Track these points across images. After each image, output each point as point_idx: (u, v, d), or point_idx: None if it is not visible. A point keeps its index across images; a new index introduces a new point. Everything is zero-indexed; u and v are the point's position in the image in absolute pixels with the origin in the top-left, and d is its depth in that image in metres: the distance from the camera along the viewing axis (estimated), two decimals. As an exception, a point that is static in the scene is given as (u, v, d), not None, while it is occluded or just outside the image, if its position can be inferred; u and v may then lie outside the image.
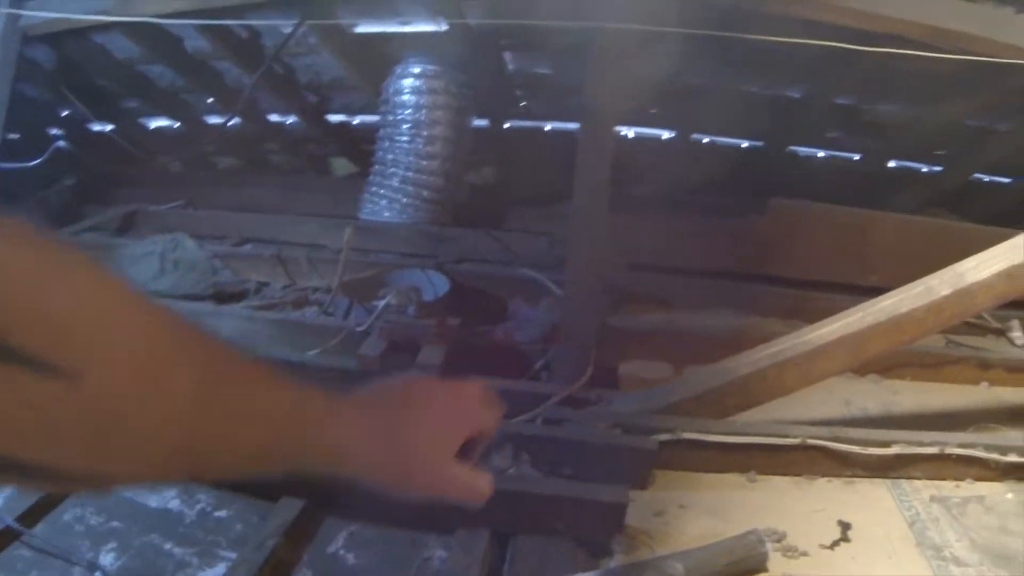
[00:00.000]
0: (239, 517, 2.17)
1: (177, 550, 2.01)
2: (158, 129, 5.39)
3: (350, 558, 2.06)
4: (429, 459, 1.02)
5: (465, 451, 1.08)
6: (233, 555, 1.99)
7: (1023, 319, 3.82)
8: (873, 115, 4.74)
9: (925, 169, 5.34)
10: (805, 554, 2.14)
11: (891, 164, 5.30)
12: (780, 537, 2.17)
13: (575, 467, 2.28)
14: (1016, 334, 3.80)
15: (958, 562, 2.19)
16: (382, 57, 4.31)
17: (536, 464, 2.31)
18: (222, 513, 2.18)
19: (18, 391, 0.54)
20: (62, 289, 0.57)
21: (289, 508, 2.11)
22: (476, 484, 1.07)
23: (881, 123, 4.79)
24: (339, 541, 2.11)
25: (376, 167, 4.32)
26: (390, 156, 4.23)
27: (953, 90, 4.20)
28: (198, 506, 2.19)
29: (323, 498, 2.16)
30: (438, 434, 1.03)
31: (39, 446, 0.57)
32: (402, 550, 2.09)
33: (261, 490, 2.18)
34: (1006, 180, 5.37)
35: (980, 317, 3.64)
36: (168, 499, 2.20)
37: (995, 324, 3.83)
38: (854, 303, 2.67)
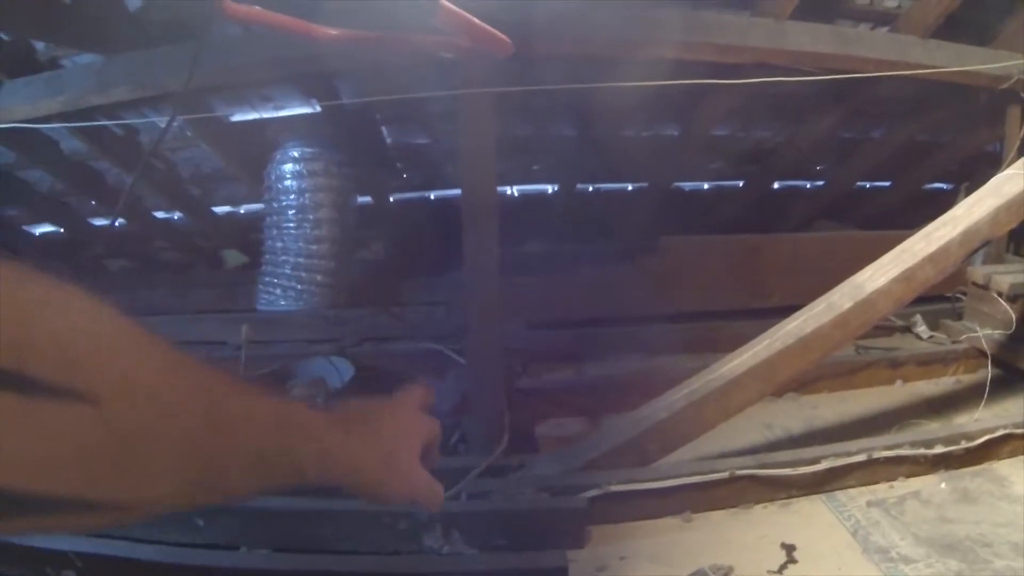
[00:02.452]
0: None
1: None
2: (43, 236, 5.17)
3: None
4: (403, 465, 1.08)
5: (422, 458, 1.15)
6: None
7: (925, 313, 3.93)
8: (751, 142, 4.85)
9: (809, 185, 5.49)
10: (756, 583, 2.12)
11: (776, 185, 5.42)
12: (727, 572, 2.15)
13: (508, 537, 2.23)
14: (921, 328, 3.90)
15: (906, 560, 2.21)
16: (261, 144, 4.24)
17: (468, 539, 2.24)
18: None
19: (40, 422, 0.54)
20: (74, 319, 0.59)
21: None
22: (437, 488, 1.14)
23: (759, 148, 4.90)
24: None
25: (267, 256, 4.23)
26: (279, 244, 4.15)
27: (822, 107, 4.33)
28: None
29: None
30: (406, 443, 1.10)
31: (67, 476, 0.58)
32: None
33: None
34: (886, 184, 5.52)
35: (884, 318, 3.69)
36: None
37: (900, 323, 3.93)
38: (759, 327, 2.70)
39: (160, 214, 5.02)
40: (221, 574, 2.14)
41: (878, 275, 2.64)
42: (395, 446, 1.08)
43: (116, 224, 4.68)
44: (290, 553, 2.29)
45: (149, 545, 2.28)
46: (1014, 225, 2.90)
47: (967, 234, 2.70)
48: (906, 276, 2.63)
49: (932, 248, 2.67)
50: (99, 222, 5.00)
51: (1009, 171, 2.92)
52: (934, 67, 3.67)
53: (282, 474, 0.87)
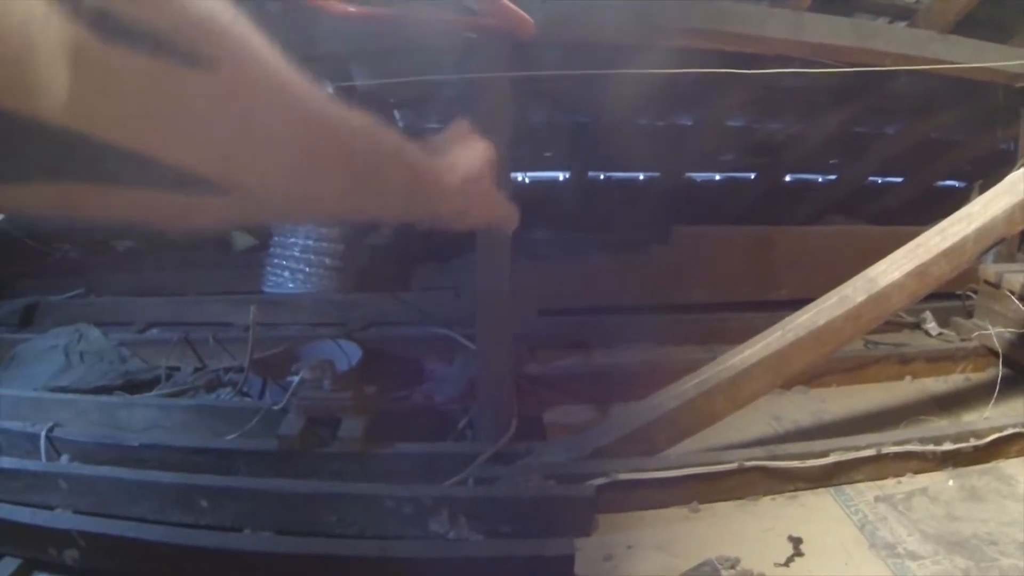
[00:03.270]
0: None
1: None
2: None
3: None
4: (482, 189, 1.12)
5: None
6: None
7: (935, 310, 3.92)
8: (764, 133, 4.82)
9: (821, 179, 5.47)
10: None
11: (787, 178, 5.39)
12: (734, 563, 2.14)
13: (515, 524, 2.22)
14: (930, 325, 3.88)
15: (913, 556, 2.21)
16: (272, 126, 4.23)
17: (474, 525, 2.23)
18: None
19: (163, 81, 0.55)
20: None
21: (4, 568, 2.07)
22: (512, 208, 1.21)
23: (773, 140, 4.88)
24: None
25: (276, 239, 4.23)
26: (288, 226, 4.14)
27: (838, 100, 4.30)
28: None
29: (39, 556, 2.14)
30: (479, 168, 1.12)
31: (182, 141, 0.59)
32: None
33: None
34: (898, 179, 5.51)
35: (897, 313, 3.69)
36: None
37: (909, 319, 3.91)
38: (768, 319, 2.69)
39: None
40: (224, 556, 2.12)
41: (892, 269, 2.62)
42: (471, 171, 1.10)
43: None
44: (294, 536, 2.28)
45: (152, 525, 2.28)
46: (1029, 224, 2.88)
47: (982, 231, 2.67)
48: (920, 271, 2.61)
49: (947, 244, 2.64)
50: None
51: (1026, 169, 2.90)
52: (952, 63, 3.64)
53: (375, 199, 0.91)
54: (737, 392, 2.53)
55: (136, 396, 3.29)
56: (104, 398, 3.20)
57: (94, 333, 3.72)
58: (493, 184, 1.16)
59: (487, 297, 2.65)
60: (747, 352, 2.55)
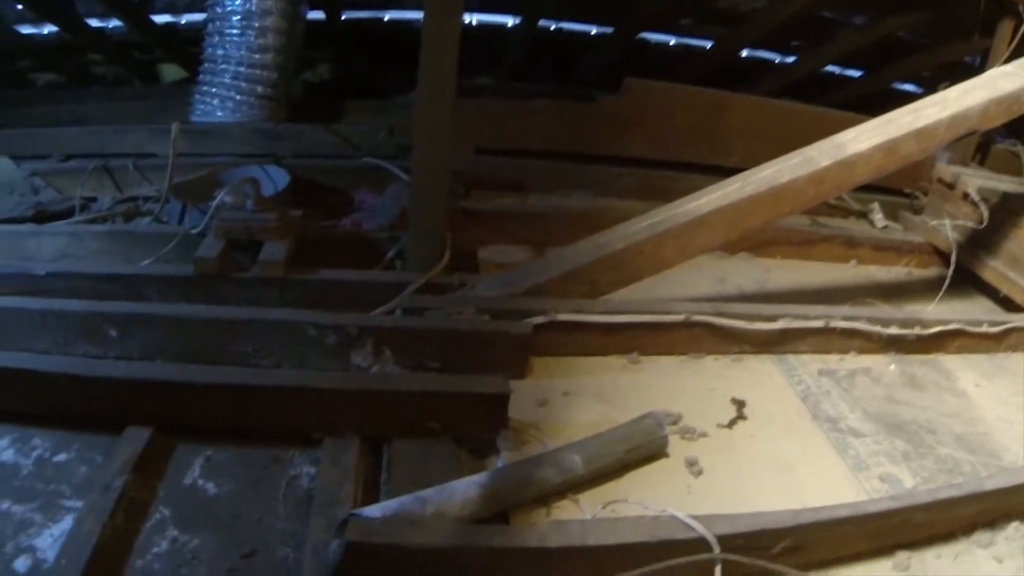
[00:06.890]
0: (81, 458, 1.86)
1: (16, 508, 1.68)
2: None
3: (210, 488, 1.79)
4: None
5: None
6: (80, 503, 1.69)
7: (883, 202, 3.87)
8: (728, 1, 4.67)
9: (778, 59, 5.39)
10: (704, 435, 2.06)
11: (744, 54, 5.30)
12: (676, 419, 2.07)
13: (443, 359, 2.08)
14: (877, 216, 3.83)
15: (855, 433, 2.20)
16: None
17: (400, 359, 2.09)
18: (62, 457, 1.86)
19: None
20: None
21: (135, 439, 1.85)
22: None
23: (736, 11, 4.74)
24: (195, 470, 1.84)
25: (206, 64, 3.96)
26: (220, 52, 3.88)
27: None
28: (34, 453, 1.86)
29: (171, 422, 1.94)
30: None
31: None
32: (265, 471, 1.85)
33: (103, 422, 1.92)
34: (856, 73, 5.46)
35: (841, 199, 3.67)
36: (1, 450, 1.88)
37: (856, 206, 3.86)
38: (714, 183, 2.57)
39: (94, 22, 4.71)
40: (132, 386, 1.94)
41: (861, 138, 2.56)
42: None
43: (45, 33, 4.38)
44: (207, 366, 2.11)
45: (56, 357, 2.09)
46: (1001, 122, 2.86)
47: (956, 118, 2.64)
48: (889, 146, 2.56)
49: (920, 124, 2.60)
50: (27, 30, 4.68)
51: (1007, 68, 2.86)
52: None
53: None
54: (689, 240, 2.44)
55: (46, 225, 3.07)
56: (10, 227, 2.98)
57: (4, 163, 3.50)
58: None
59: (426, 125, 2.45)
60: (703, 199, 2.45)
